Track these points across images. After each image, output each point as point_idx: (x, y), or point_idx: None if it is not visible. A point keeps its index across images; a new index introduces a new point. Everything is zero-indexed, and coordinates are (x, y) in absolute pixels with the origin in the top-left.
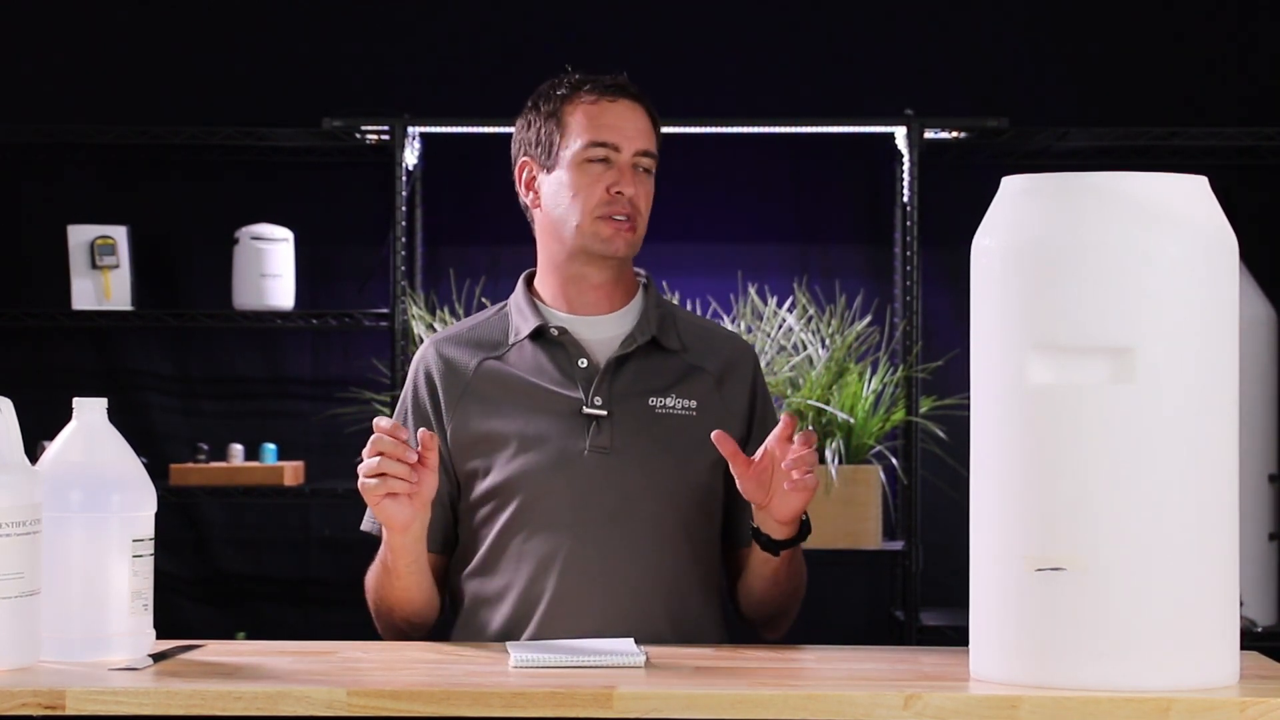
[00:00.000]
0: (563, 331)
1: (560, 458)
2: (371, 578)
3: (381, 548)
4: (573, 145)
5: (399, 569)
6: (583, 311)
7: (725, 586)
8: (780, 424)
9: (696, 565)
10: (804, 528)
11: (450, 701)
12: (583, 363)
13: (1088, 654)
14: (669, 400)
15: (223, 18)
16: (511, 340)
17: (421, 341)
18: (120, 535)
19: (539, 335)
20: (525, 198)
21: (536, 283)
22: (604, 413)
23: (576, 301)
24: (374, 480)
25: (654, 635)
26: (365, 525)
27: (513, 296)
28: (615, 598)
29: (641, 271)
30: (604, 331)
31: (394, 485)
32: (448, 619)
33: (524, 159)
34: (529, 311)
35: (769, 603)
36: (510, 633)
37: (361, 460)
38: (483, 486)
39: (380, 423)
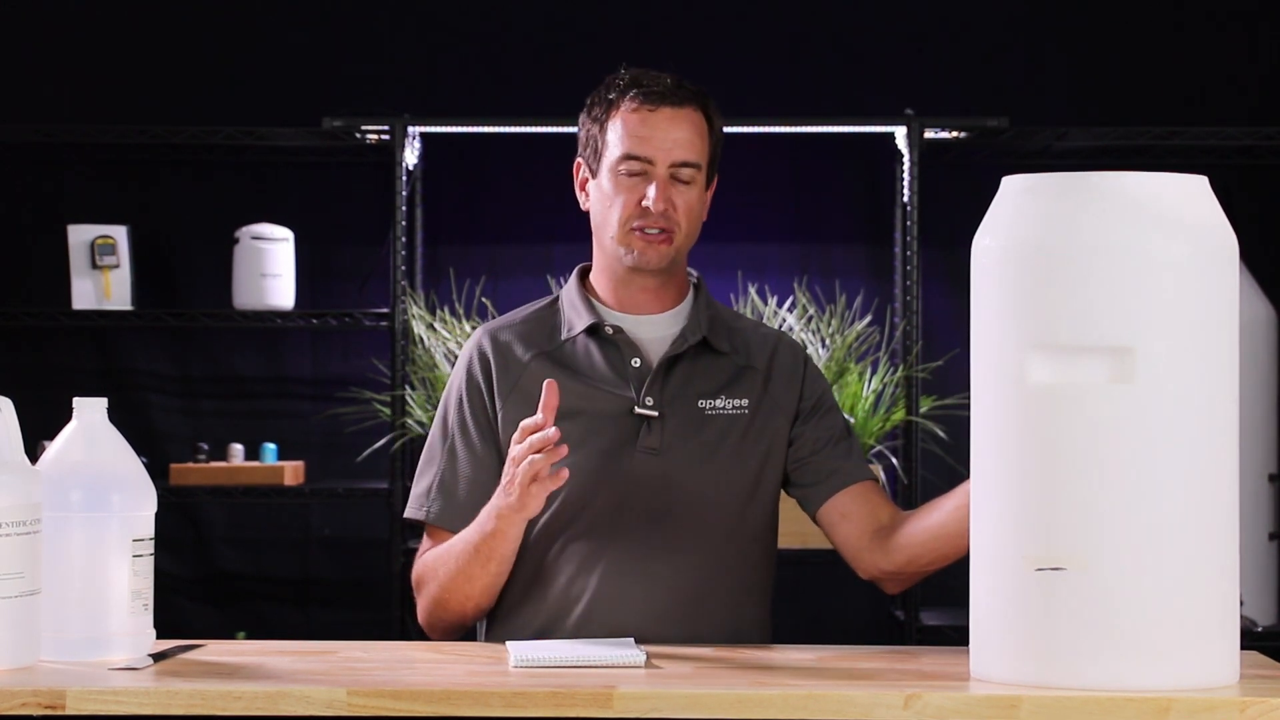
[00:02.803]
0: (617, 330)
1: (610, 457)
2: (447, 568)
3: (480, 538)
4: (611, 155)
5: (505, 554)
6: (635, 311)
7: (771, 586)
8: None
9: (742, 568)
10: None
11: (450, 701)
12: (636, 362)
13: (1088, 654)
14: (718, 401)
15: (222, 18)
16: (565, 336)
17: (421, 341)
18: (120, 535)
19: (593, 332)
20: (579, 198)
21: (591, 279)
22: (655, 413)
23: (629, 301)
24: (524, 467)
25: (695, 637)
26: (417, 514)
27: (565, 290)
28: (656, 599)
29: (693, 272)
30: (656, 331)
31: (539, 463)
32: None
33: (578, 159)
34: (583, 308)
35: (949, 556)
36: (548, 629)
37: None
38: None
39: (526, 424)
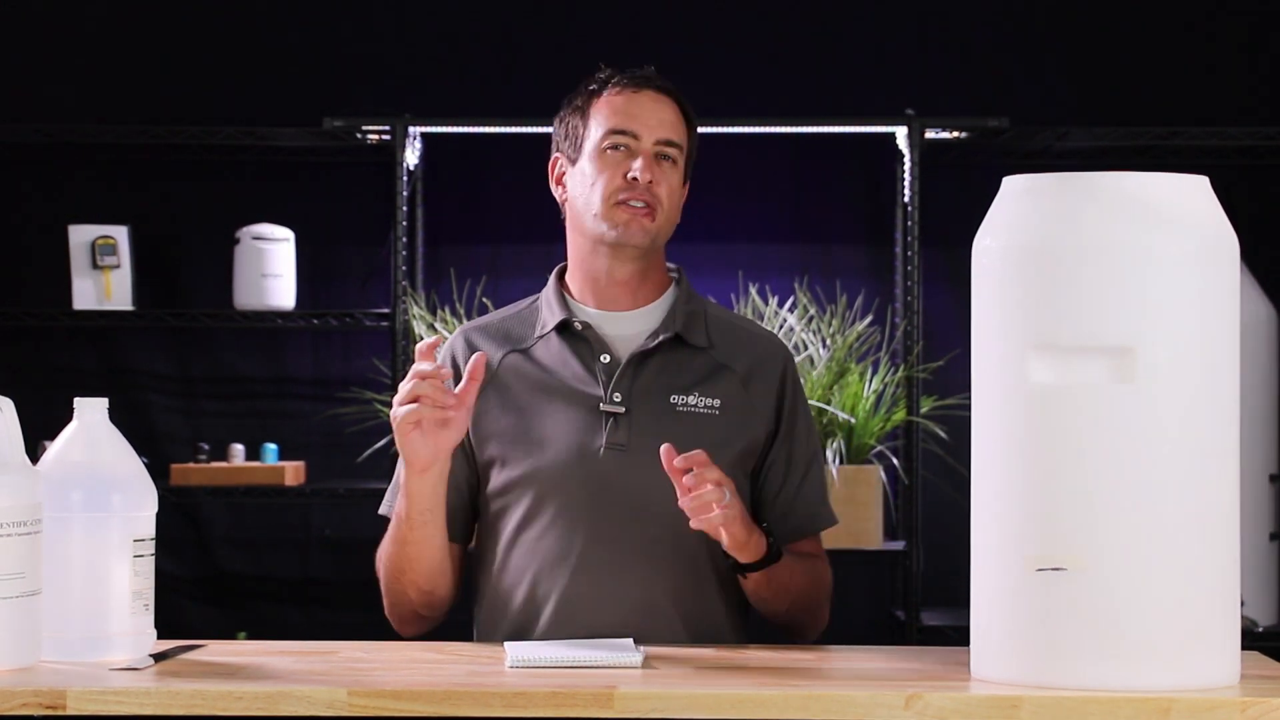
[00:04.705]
0: (586, 326)
1: (576, 454)
2: (384, 546)
3: (397, 502)
4: (595, 136)
5: (413, 517)
6: (609, 307)
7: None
8: (663, 455)
9: (712, 566)
10: (771, 553)
11: (450, 701)
12: (604, 358)
13: (1088, 654)
14: (691, 398)
15: (223, 18)
16: (538, 333)
17: (422, 341)
18: (121, 535)
19: (564, 329)
20: (555, 192)
21: (567, 277)
22: (622, 409)
23: (603, 296)
24: (405, 409)
25: (667, 635)
26: (383, 509)
27: (544, 290)
28: (627, 596)
29: (674, 267)
30: (629, 327)
31: (424, 412)
32: (467, 616)
33: (555, 155)
34: (556, 305)
35: (771, 615)
36: (522, 628)
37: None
38: (499, 480)
39: (421, 356)
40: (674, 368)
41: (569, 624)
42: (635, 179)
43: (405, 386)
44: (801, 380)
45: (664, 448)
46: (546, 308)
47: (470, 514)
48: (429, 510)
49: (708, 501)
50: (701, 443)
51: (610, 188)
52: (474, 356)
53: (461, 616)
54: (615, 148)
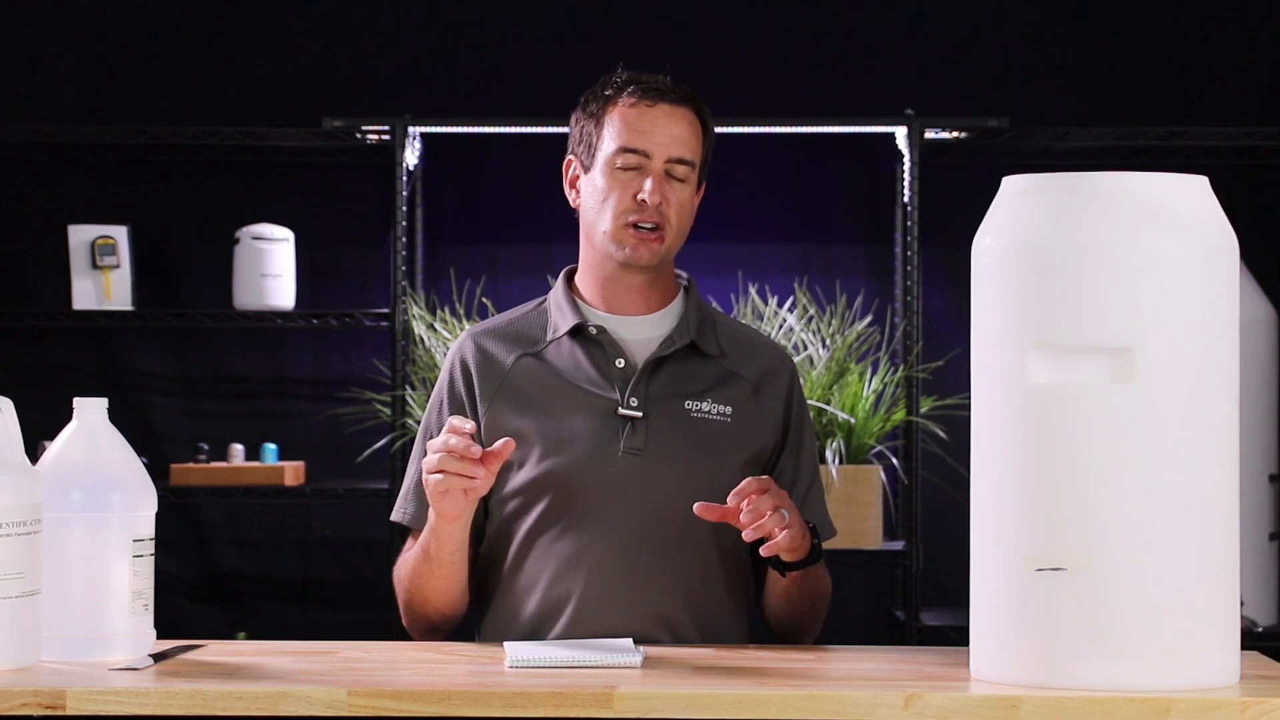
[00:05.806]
0: (601, 330)
1: (593, 457)
2: (406, 569)
3: (424, 536)
4: (607, 149)
5: (442, 557)
6: (621, 311)
7: (753, 593)
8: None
9: (725, 570)
10: (814, 551)
11: (450, 701)
12: (620, 363)
13: (1088, 654)
14: (704, 405)
15: (222, 18)
16: (550, 337)
17: (421, 341)
18: (121, 535)
19: (577, 333)
20: (569, 195)
21: (577, 280)
22: (639, 414)
23: (615, 301)
24: (436, 476)
25: (680, 637)
26: (395, 515)
27: (552, 292)
28: (642, 599)
29: (683, 274)
30: (642, 332)
31: (451, 483)
32: (471, 616)
33: (569, 156)
34: (568, 309)
35: (785, 617)
36: (536, 630)
37: (426, 454)
38: (514, 483)
39: (453, 421)
40: (687, 374)
41: (585, 626)
42: (645, 200)
43: (433, 458)
44: (802, 383)
45: (697, 507)
46: (557, 310)
47: (481, 517)
48: (458, 550)
49: (770, 529)
50: (714, 448)
51: (620, 208)
52: (501, 441)
53: (470, 614)
54: (626, 166)
